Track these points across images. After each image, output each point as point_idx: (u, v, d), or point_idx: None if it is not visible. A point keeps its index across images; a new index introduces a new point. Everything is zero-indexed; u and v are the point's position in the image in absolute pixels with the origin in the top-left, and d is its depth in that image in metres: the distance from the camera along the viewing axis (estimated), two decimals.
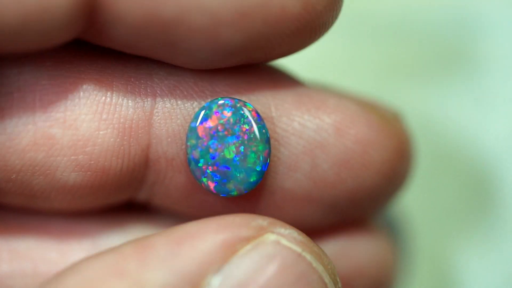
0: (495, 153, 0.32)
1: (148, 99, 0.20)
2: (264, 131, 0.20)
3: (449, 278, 0.32)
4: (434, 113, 0.33)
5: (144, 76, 0.20)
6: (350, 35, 0.32)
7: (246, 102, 0.20)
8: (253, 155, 0.20)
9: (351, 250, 0.23)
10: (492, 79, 0.33)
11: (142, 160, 0.20)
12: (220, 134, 0.20)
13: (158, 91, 0.20)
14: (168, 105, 0.20)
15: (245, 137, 0.20)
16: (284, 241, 0.18)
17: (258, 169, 0.20)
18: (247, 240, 0.18)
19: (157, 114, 0.20)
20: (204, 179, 0.20)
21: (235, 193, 0.20)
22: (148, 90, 0.20)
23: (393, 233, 0.29)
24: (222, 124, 0.20)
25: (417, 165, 0.24)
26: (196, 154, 0.19)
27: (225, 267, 0.18)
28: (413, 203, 0.30)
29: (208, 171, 0.20)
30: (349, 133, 0.21)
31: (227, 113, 0.20)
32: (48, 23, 0.17)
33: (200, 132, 0.19)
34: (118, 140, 0.20)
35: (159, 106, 0.20)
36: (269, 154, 0.20)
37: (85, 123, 0.19)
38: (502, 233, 0.32)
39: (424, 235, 0.31)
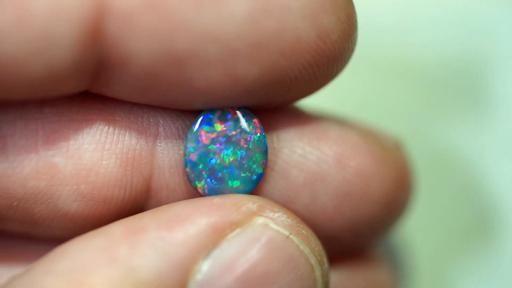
0: (496, 182, 0.32)
1: (151, 129, 0.20)
2: (263, 141, 0.20)
3: None
4: (436, 141, 0.33)
5: (147, 106, 0.20)
6: (361, 71, 0.32)
7: (248, 111, 0.20)
8: (250, 163, 0.20)
9: (350, 281, 0.23)
10: (495, 110, 0.33)
11: (144, 190, 0.20)
12: (220, 140, 0.19)
13: (161, 121, 0.20)
14: (170, 135, 0.20)
15: (244, 146, 0.20)
16: (272, 224, 0.18)
17: (254, 178, 0.20)
18: (236, 224, 0.18)
19: (159, 144, 0.20)
20: (199, 184, 0.20)
21: None
22: (151, 120, 0.20)
23: (394, 262, 0.29)
24: (222, 131, 0.19)
25: (417, 193, 0.24)
26: (194, 157, 0.19)
27: (214, 252, 0.18)
28: (413, 231, 0.30)
29: (204, 175, 0.20)
30: (350, 165, 0.20)
31: (228, 120, 0.20)
32: (56, 69, 0.17)
33: (200, 136, 0.19)
34: (121, 170, 0.20)
35: (162, 136, 0.20)
36: (266, 164, 0.20)
37: (88, 153, 0.19)
38: (502, 262, 0.32)
39: (424, 264, 0.31)
